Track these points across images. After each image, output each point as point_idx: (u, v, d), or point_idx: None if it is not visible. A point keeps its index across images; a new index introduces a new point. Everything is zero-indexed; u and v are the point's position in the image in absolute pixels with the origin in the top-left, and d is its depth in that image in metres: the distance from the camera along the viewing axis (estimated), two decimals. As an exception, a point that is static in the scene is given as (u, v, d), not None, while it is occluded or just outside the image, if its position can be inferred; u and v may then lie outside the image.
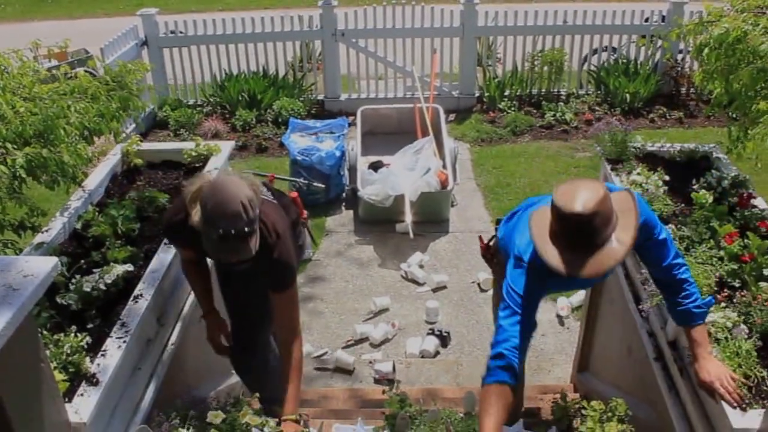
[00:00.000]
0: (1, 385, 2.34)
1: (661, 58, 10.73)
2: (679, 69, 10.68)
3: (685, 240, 3.82)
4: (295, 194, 4.11)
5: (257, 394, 3.38)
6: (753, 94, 4.49)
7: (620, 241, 2.78)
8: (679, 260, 3.20)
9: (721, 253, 3.68)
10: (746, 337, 3.19)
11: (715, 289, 3.51)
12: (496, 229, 4.03)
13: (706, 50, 4.54)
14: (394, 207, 7.68)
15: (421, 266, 7.30)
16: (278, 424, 3.28)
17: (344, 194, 8.65)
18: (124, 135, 5.54)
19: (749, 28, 4.37)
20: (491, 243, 4.18)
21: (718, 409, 2.98)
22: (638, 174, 4.34)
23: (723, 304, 3.40)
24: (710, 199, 4.09)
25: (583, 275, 2.77)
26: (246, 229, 3.02)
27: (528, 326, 3.03)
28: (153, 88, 8.09)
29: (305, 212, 4.19)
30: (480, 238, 4.27)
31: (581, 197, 2.71)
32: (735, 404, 2.90)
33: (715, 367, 3.02)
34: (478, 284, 6.98)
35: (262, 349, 4.12)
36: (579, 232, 2.74)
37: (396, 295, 6.94)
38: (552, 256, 2.80)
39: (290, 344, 3.58)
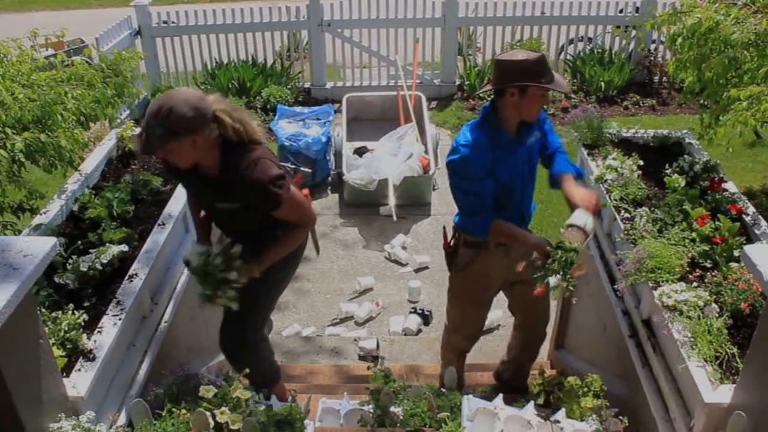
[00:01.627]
0: (2, 361, 2.34)
1: (635, 47, 10.74)
2: (652, 58, 10.69)
3: (658, 222, 3.83)
4: (306, 191, 3.83)
5: (246, 370, 3.35)
6: (724, 82, 4.51)
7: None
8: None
9: (693, 234, 3.70)
10: (717, 315, 3.21)
11: (687, 269, 3.53)
12: (455, 221, 4.04)
13: (680, 40, 4.56)
14: (378, 191, 7.67)
15: (404, 247, 7.30)
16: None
17: (330, 178, 8.62)
18: (118, 121, 5.50)
19: (721, 18, 4.38)
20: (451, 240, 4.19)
21: (691, 384, 3.00)
22: (614, 159, 4.35)
23: (695, 284, 3.42)
24: (683, 183, 4.10)
25: (566, 88, 3.64)
26: (160, 126, 3.04)
27: (481, 193, 3.63)
28: (146, 76, 8.03)
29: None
30: (444, 233, 4.23)
31: (522, 50, 3.53)
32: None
33: (581, 192, 3.65)
34: (459, 265, 6.98)
35: (249, 335, 3.97)
36: (544, 64, 3.46)
37: (380, 275, 6.94)
38: (556, 85, 3.48)
39: (295, 227, 3.60)
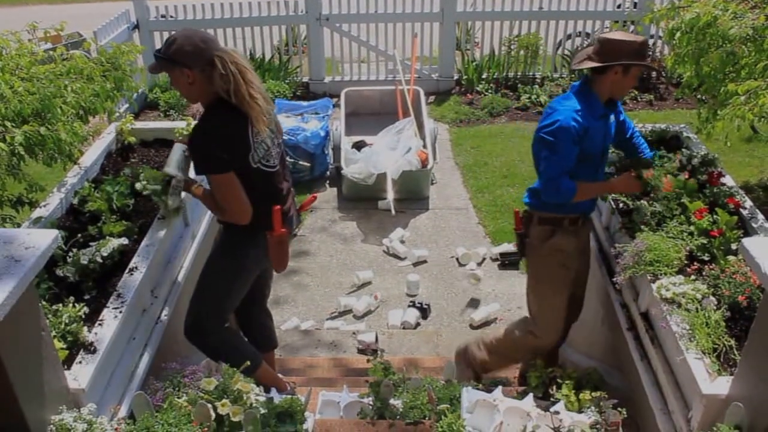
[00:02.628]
0: (4, 353, 2.34)
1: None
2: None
3: (657, 215, 3.84)
4: (277, 208, 3.72)
5: (247, 363, 3.36)
6: (722, 77, 4.51)
7: None
8: None
9: (691, 228, 3.71)
10: (715, 308, 3.22)
11: (686, 262, 3.54)
12: (526, 201, 4.13)
13: (678, 34, 4.56)
14: (377, 185, 7.66)
15: (402, 241, 7.30)
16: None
17: (328, 172, 8.62)
18: (117, 114, 5.49)
19: (719, 12, 4.39)
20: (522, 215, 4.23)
21: (689, 376, 3.01)
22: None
23: (693, 277, 3.43)
24: (682, 177, 4.11)
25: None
26: (162, 51, 3.43)
27: (566, 156, 3.76)
28: (144, 70, 8.01)
29: (280, 232, 3.77)
30: (516, 213, 4.26)
31: (625, 31, 3.82)
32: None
33: None
34: (457, 259, 7.00)
35: (207, 320, 3.92)
36: (648, 46, 3.86)
37: (378, 269, 6.95)
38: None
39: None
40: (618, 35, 3.74)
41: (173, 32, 3.47)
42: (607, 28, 10.73)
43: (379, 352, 5.46)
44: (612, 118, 3.94)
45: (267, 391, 3.69)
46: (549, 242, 4.05)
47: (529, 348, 4.41)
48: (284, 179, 3.86)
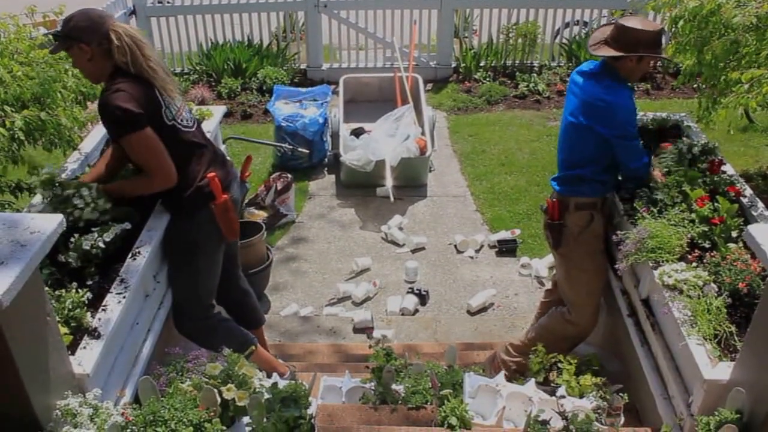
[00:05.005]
0: (10, 338, 2.33)
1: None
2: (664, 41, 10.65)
3: (658, 203, 3.84)
4: (212, 175, 3.75)
5: (252, 348, 3.37)
6: (723, 66, 4.51)
7: None
8: None
9: (693, 215, 3.71)
10: (716, 294, 3.22)
11: (687, 249, 3.54)
12: (558, 189, 4.21)
13: (681, 22, 4.55)
14: (375, 172, 7.65)
15: (401, 228, 7.30)
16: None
17: (327, 159, 8.60)
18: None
19: (723, 0, 4.37)
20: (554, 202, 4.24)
21: (690, 362, 3.02)
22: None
23: (694, 264, 3.43)
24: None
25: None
26: (60, 30, 3.51)
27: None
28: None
29: (222, 199, 3.79)
30: (549, 202, 4.25)
31: (643, 19, 4.00)
32: None
33: None
34: (455, 246, 7.00)
35: (190, 313, 3.98)
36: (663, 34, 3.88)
37: (377, 255, 6.95)
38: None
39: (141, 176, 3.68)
40: (637, 23, 3.83)
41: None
42: (605, 17, 10.70)
43: (382, 338, 5.48)
44: None
45: (269, 376, 3.69)
46: (589, 228, 4.12)
47: (570, 338, 4.42)
48: (206, 143, 3.88)
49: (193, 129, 3.76)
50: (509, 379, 4.25)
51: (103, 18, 3.47)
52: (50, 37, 4.93)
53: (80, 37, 3.41)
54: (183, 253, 3.86)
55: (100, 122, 4.70)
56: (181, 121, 3.66)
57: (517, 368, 4.53)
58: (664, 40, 3.86)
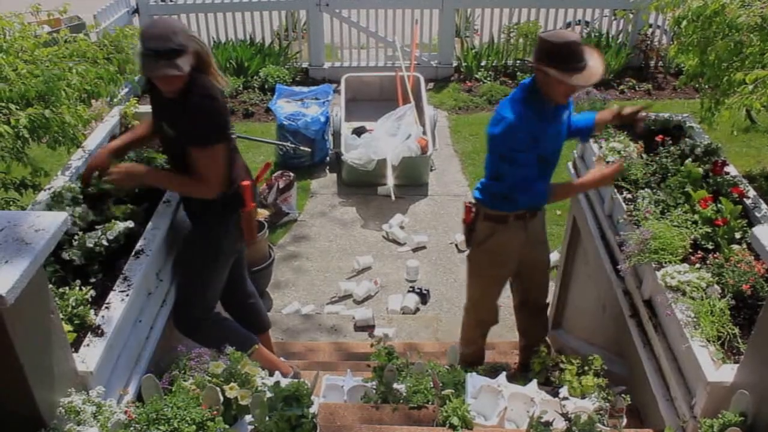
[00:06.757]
0: (15, 335, 2.32)
1: (633, 31, 10.68)
2: (649, 43, 10.65)
3: (660, 204, 3.82)
4: (247, 183, 3.79)
5: (256, 346, 3.36)
6: (726, 66, 4.49)
7: (596, 64, 3.57)
8: None
9: (696, 217, 3.69)
10: (719, 296, 3.21)
11: (690, 250, 3.53)
12: (475, 196, 4.07)
13: (684, 23, 4.53)
14: (377, 170, 7.66)
15: (402, 227, 7.30)
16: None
17: (328, 158, 8.60)
18: (119, 98, 5.46)
19: (727, 1, 4.36)
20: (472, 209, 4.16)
21: (693, 363, 3.00)
22: (618, 141, 4.33)
23: (697, 265, 3.42)
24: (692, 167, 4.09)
25: (590, 82, 3.56)
26: (163, 48, 3.18)
27: (525, 164, 3.70)
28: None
29: (251, 206, 3.84)
30: (465, 205, 4.18)
31: (563, 31, 3.51)
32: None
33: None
34: (456, 245, 7.00)
35: (195, 313, 3.94)
36: (582, 49, 3.49)
37: (378, 254, 6.95)
38: (577, 79, 3.47)
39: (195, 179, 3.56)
40: (548, 33, 3.54)
41: (154, 24, 3.35)
42: (606, 16, 10.69)
43: (384, 336, 5.47)
44: (565, 115, 3.86)
45: (271, 374, 3.68)
46: (491, 240, 4.04)
47: (473, 327, 4.56)
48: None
49: (235, 136, 3.74)
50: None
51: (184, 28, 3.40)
52: (54, 35, 4.91)
53: (186, 48, 3.28)
54: (204, 255, 3.83)
55: (105, 120, 4.72)
56: (232, 130, 3.66)
57: (461, 338, 4.67)
58: (586, 62, 3.48)
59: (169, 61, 3.20)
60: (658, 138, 4.36)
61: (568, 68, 3.46)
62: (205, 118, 3.43)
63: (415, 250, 7.00)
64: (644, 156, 4.29)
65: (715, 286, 3.26)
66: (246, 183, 3.74)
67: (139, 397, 3.05)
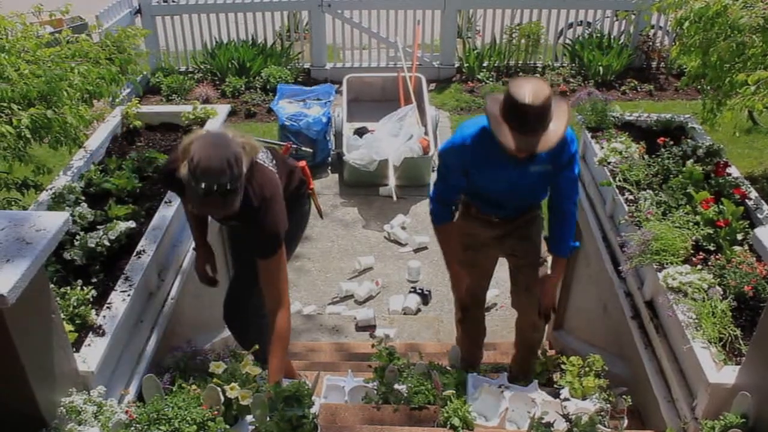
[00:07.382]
0: (16, 335, 2.32)
1: (635, 31, 10.67)
2: (651, 44, 10.63)
3: (662, 205, 3.82)
4: (303, 163, 3.86)
5: (256, 346, 3.35)
6: (728, 68, 4.49)
7: (556, 128, 3.20)
8: (576, 198, 3.75)
9: (697, 218, 3.69)
10: (721, 297, 3.21)
11: (691, 252, 3.52)
12: None
13: (686, 23, 4.52)
14: (378, 171, 7.65)
15: (404, 228, 7.30)
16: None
17: (330, 158, 8.59)
18: (120, 98, 5.46)
19: (729, 2, 4.35)
20: None
21: (695, 365, 3.00)
22: (620, 142, 4.33)
23: (699, 267, 3.42)
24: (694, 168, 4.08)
25: (528, 151, 3.22)
26: (228, 186, 2.85)
27: (449, 184, 3.68)
28: (148, 54, 7.98)
29: (312, 183, 3.98)
30: None
31: (533, 91, 3.10)
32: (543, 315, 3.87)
33: (551, 294, 3.86)
34: (458, 246, 6.99)
35: (254, 311, 3.87)
36: (532, 118, 3.11)
37: (379, 254, 6.94)
38: (505, 136, 3.17)
39: (274, 313, 3.36)
40: (514, 84, 3.18)
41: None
42: (608, 17, 10.69)
43: (385, 336, 5.47)
44: (535, 168, 3.49)
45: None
46: (459, 222, 3.96)
47: (457, 305, 4.49)
48: (285, 166, 3.71)
49: (276, 169, 3.44)
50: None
51: (230, 135, 3.09)
52: (56, 35, 4.91)
53: (242, 172, 2.98)
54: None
55: (107, 120, 4.71)
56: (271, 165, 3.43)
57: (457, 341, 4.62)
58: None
59: (224, 199, 2.90)
60: (660, 139, 4.35)
61: (510, 126, 3.18)
62: (273, 233, 3.25)
63: (416, 250, 6.99)
64: (646, 157, 4.29)
65: (717, 287, 3.26)
66: (302, 164, 3.87)
67: (140, 397, 3.05)
